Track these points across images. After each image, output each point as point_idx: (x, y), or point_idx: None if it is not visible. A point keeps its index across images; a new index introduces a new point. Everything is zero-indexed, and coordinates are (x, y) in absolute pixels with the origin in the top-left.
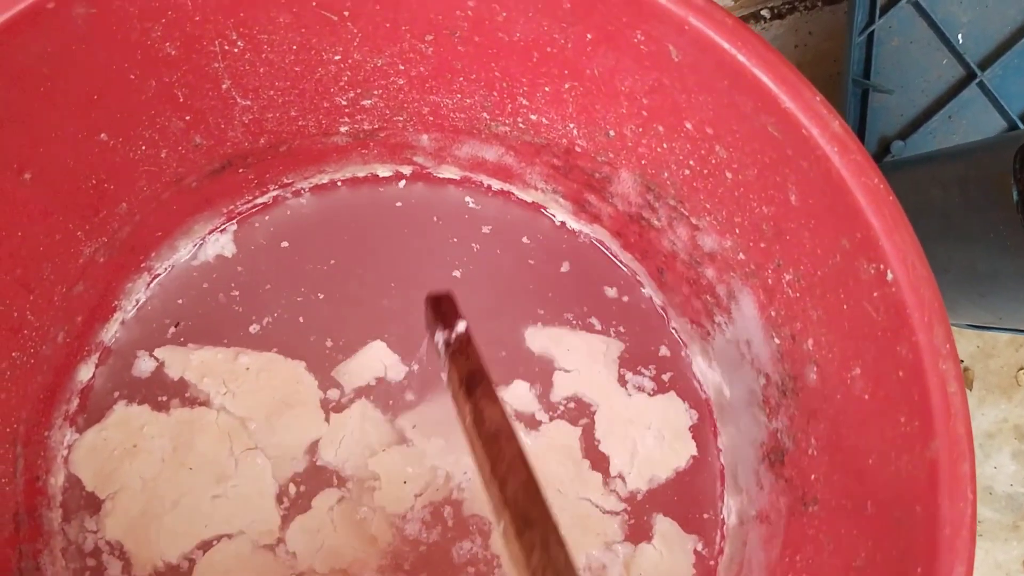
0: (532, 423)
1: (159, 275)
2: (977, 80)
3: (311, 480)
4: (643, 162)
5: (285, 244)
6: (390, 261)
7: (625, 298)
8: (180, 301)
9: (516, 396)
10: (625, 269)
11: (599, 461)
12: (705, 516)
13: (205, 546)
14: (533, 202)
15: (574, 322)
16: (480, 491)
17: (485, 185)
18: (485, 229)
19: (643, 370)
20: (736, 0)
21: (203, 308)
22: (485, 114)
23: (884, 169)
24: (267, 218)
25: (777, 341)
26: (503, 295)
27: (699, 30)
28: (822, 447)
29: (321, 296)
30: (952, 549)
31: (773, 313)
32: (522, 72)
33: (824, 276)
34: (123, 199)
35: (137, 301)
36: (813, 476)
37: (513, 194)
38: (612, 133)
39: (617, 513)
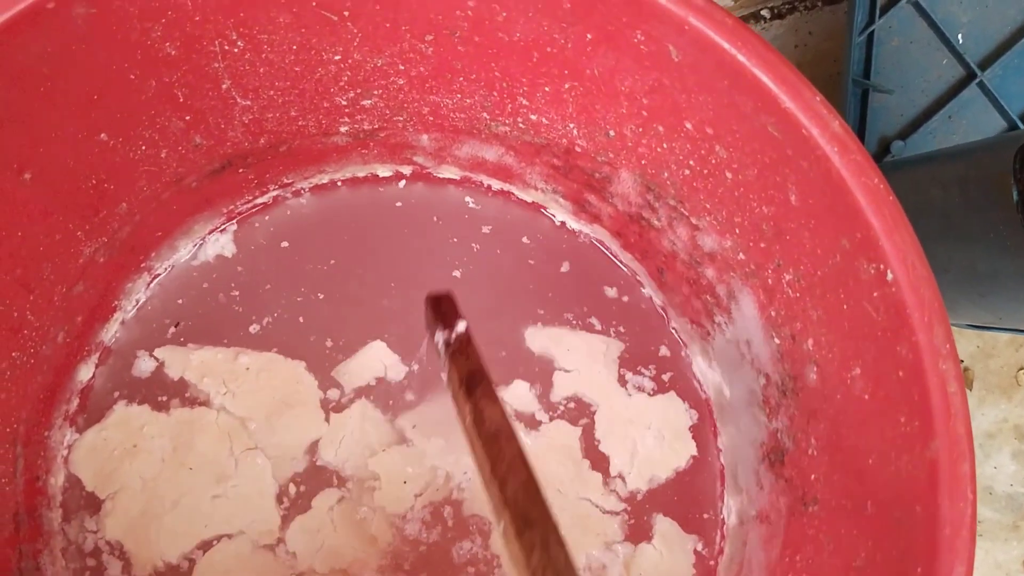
0: (532, 423)
1: (159, 275)
2: (977, 80)
3: (311, 480)
4: (643, 162)
5: (285, 244)
6: (390, 261)
7: (625, 298)
8: (180, 301)
9: (516, 396)
10: (625, 269)
11: (599, 461)
12: (705, 516)
13: (205, 546)
14: (533, 202)
15: (574, 322)
16: (480, 491)
17: (485, 185)
18: (485, 229)
19: (643, 370)
20: (736, 0)
21: (203, 308)
22: (485, 114)
23: (884, 169)
24: (267, 218)
25: (777, 341)
26: (503, 295)
27: (699, 30)
28: (822, 447)
29: (321, 296)
30: (952, 549)
31: (773, 313)
32: (522, 72)
33: (824, 276)
34: (123, 199)
35: (137, 301)
36: (813, 476)
37: (513, 194)
38: (612, 133)
39: (617, 513)
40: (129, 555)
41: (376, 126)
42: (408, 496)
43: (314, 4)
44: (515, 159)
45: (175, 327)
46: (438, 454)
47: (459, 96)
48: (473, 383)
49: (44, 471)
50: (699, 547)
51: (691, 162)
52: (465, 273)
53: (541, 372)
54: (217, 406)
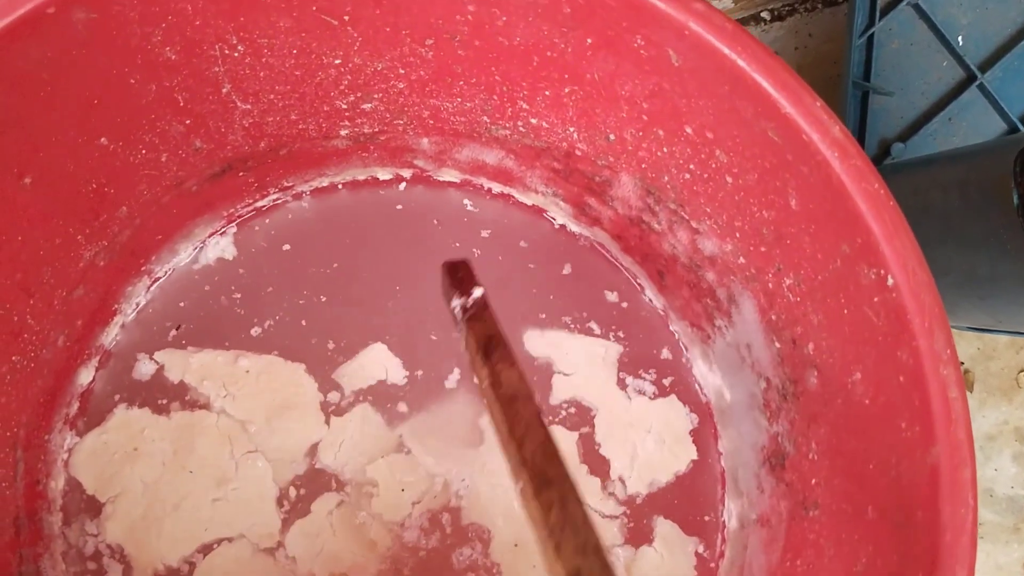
0: None
1: (159, 278)
2: (977, 82)
3: (311, 483)
4: (643, 166)
5: (287, 247)
6: (392, 264)
7: (625, 303)
8: (182, 304)
9: None
10: (625, 272)
11: (599, 464)
12: (706, 519)
13: (206, 549)
14: (533, 205)
15: (572, 326)
16: (478, 499)
17: (485, 188)
18: (485, 232)
19: (643, 374)
20: (736, 2)
21: (204, 311)
22: (485, 118)
23: (884, 172)
24: (267, 221)
25: (778, 345)
26: (503, 298)
27: (699, 35)
28: (823, 451)
29: (323, 298)
30: (953, 555)
31: (774, 317)
32: (522, 76)
33: (824, 281)
34: (123, 203)
35: (137, 304)
36: (814, 480)
37: (513, 197)
38: (612, 137)
39: (616, 517)
40: (130, 558)
41: (376, 129)
42: (406, 504)
43: (314, 8)
44: (515, 162)
45: (176, 330)
46: (436, 462)
47: (459, 100)
48: (490, 347)
49: (44, 475)
50: (700, 549)
51: (691, 166)
52: None
53: (540, 376)
54: (217, 409)
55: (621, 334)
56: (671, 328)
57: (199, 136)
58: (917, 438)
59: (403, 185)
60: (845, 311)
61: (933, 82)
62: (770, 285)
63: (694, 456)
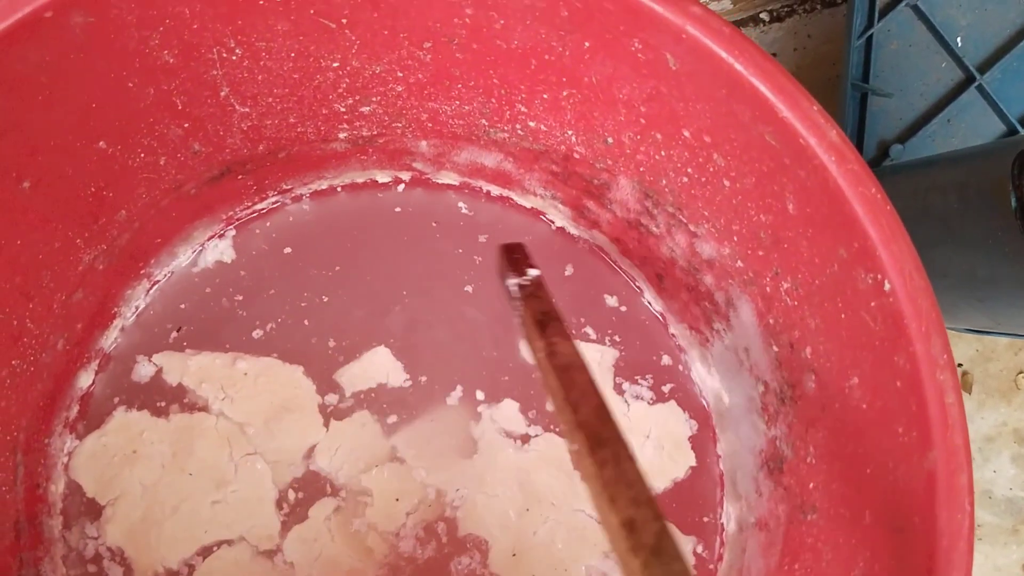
0: (523, 438)
1: (159, 281)
2: (976, 83)
3: (309, 487)
4: (641, 169)
5: (288, 250)
6: (394, 267)
7: (624, 307)
8: (182, 306)
9: (505, 416)
10: (624, 275)
11: None
12: (705, 520)
13: (205, 552)
14: (532, 208)
15: (569, 331)
16: (474, 509)
17: (484, 191)
18: (484, 235)
19: (641, 380)
20: (735, 3)
21: (205, 313)
22: (484, 121)
23: (883, 174)
24: (267, 224)
25: (775, 349)
26: (501, 300)
27: (696, 39)
28: (820, 456)
29: (325, 299)
30: (949, 560)
31: (771, 321)
32: (520, 79)
33: (822, 285)
34: (122, 206)
35: (137, 308)
36: (812, 484)
37: (512, 200)
38: (610, 140)
39: None
40: (130, 561)
41: (375, 132)
42: (400, 513)
43: (312, 12)
44: (514, 165)
45: (177, 332)
46: (430, 472)
47: (457, 103)
48: (545, 322)
49: (44, 478)
50: (699, 549)
51: (689, 170)
52: (467, 279)
53: (537, 382)
54: (216, 411)
55: (617, 339)
56: (670, 331)
57: (197, 139)
58: (914, 443)
59: (402, 187)
60: (842, 315)
61: (932, 83)
62: (768, 289)
63: (693, 463)
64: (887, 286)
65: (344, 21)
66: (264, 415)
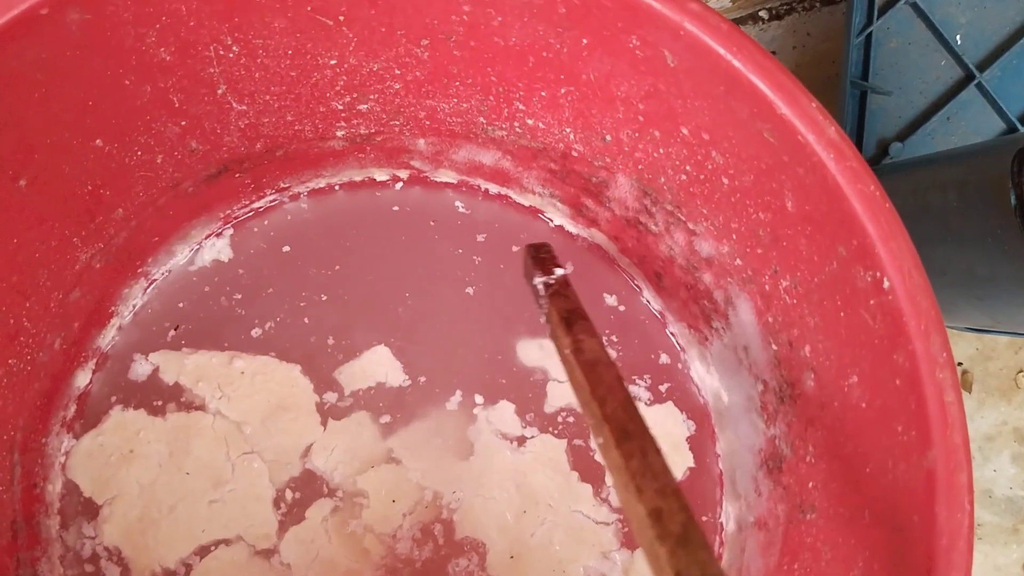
0: (519, 440)
1: (156, 280)
2: (976, 81)
3: (306, 486)
4: (640, 167)
5: (287, 249)
6: (394, 266)
7: (622, 307)
8: (181, 305)
9: (501, 417)
10: (623, 274)
11: (594, 471)
12: (704, 519)
13: (203, 551)
14: (530, 206)
15: None
16: (471, 511)
17: (482, 189)
18: (482, 233)
19: (639, 380)
20: (734, 1)
21: (204, 312)
22: (482, 118)
23: (882, 171)
24: (266, 222)
25: (775, 347)
26: (500, 300)
27: (694, 35)
28: (820, 455)
29: (324, 297)
30: (949, 560)
31: (770, 319)
32: (518, 77)
33: (821, 283)
34: (119, 205)
35: (134, 306)
36: (811, 484)
37: (510, 198)
38: (608, 138)
39: (609, 524)
40: (127, 560)
41: (372, 130)
42: (396, 515)
43: (309, 9)
44: (512, 163)
45: (175, 330)
46: (426, 473)
47: (455, 100)
48: (572, 319)
49: (42, 478)
50: None
51: (688, 167)
52: (468, 280)
53: (535, 383)
54: (213, 410)
55: (615, 339)
56: (669, 330)
57: (195, 137)
58: (913, 442)
59: (400, 186)
60: (841, 314)
61: (931, 81)
62: (767, 287)
63: (691, 464)
64: (886, 284)
65: (341, 18)
66: (261, 414)
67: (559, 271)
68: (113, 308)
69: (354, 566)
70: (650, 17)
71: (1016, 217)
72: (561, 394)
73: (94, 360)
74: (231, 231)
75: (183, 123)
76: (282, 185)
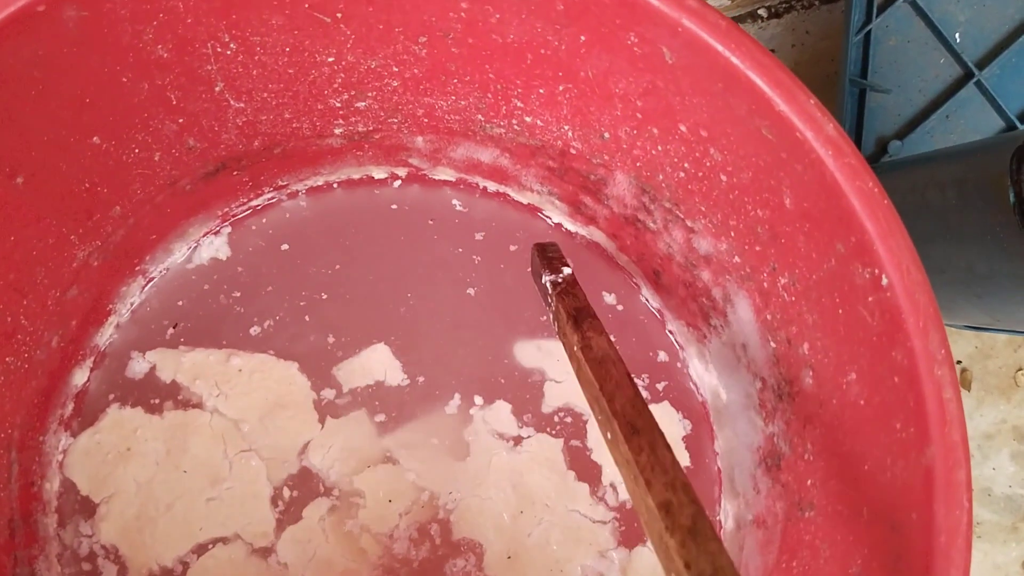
0: (515, 439)
1: (154, 278)
2: (975, 79)
3: (304, 484)
4: (638, 164)
5: (285, 247)
6: (394, 264)
7: (621, 305)
8: (179, 303)
9: (497, 417)
10: (622, 272)
11: (591, 471)
12: None
13: (200, 549)
14: (529, 204)
15: None
16: (468, 512)
17: (480, 187)
18: (480, 231)
19: (637, 379)
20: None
21: (203, 310)
22: (480, 116)
23: (882, 169)
24: (264, 220)
25: (773, 345)
26: (499, 300)
27: (693, 32)
28: (818, 452)
29: (324, 295)
30: (947, 557)
31: (769, 316)
32: (516, 74)
33: (819, 280)
34: (116, 202)
35: (131, 304)
36: (809, 481)
37: (509, 196)
38: (607, 135)
39: (606, 522)
40: (124, 559)
41: (370, 128)
42: (393, 515)
43: (307, 6)
44: (510, 161)
45: (173, 328)
46: (423, 473)
47: (453, 98)
48: (581, 317)
49: (39, 476)
50: None
51: (686, 165)
52: (468, 281)
53: (532, 383)
54: (210, 408)
55: (613, 337)
56: (667, 328)
57: (192, 135)
58: (912, 439)
59: (398, 183)
60: (840, 311)
61: (930, 79)
62: (765, 284)
63: (687, 463)
64: (885, 281)
65: (339, 15)
66: (259, 411)
67: (567, 270)
68: (111, 306)
69: (351, 566)
70: (648, 14)
71: (1015, 215)
72: (558, 394)
73: (92, 358)
74: (229, 229)
75: (180, 120)
76: (280, 183)
